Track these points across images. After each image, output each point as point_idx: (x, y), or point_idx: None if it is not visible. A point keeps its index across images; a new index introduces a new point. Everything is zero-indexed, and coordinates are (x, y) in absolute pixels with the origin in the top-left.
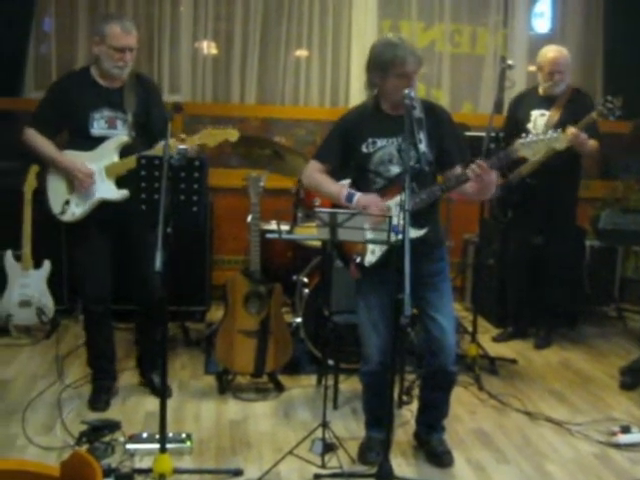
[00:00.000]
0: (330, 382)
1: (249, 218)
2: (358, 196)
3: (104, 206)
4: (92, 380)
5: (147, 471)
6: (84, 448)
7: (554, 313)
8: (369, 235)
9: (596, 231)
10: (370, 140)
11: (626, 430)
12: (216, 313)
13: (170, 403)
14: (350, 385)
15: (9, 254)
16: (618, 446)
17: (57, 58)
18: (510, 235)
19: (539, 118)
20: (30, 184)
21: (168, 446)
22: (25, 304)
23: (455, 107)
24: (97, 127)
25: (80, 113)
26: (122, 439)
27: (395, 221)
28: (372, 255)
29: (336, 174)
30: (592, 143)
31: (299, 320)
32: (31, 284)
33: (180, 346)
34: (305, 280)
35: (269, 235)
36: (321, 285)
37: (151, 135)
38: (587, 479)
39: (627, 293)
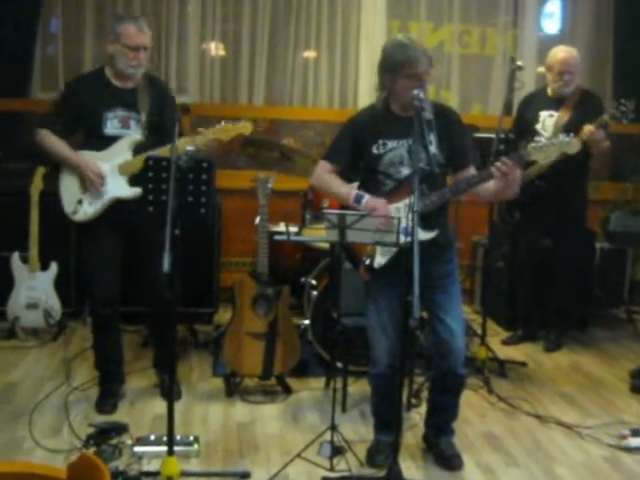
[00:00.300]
0: (338, 385)
1: (257, 220)
2: (367, 198)
3: (116, 206)
4: (99, 383)
5: (155, 474)
6: (91, 451)
7: (564, 316)
8: (378, 237)
9: (606, 233)
10: (380, 142)
11: (636, 433)
12: (224, 315)
13: (178, 406)
14: (359, 388)
15: (16, 256)
16: (628, 449)
17: (64, 59)
18: (519, 237)
19: (548, 119)
20: (37, 186)
21: (175, 449)
22: (32, 306)
23: (464, 108)
24: (110, 127)
25: (94, 113)
26: (129, 442)
27: (404, 223)
28: (381, 257)
29: (345, 175)
30: (605, 144)
31: (307, 322)
32: (38, 286)
33: (188, 348)
34: (313, 282)
35: (277, 237)
36: (330, 287)
37: (164, 136)
38: None
39: (637, 295)
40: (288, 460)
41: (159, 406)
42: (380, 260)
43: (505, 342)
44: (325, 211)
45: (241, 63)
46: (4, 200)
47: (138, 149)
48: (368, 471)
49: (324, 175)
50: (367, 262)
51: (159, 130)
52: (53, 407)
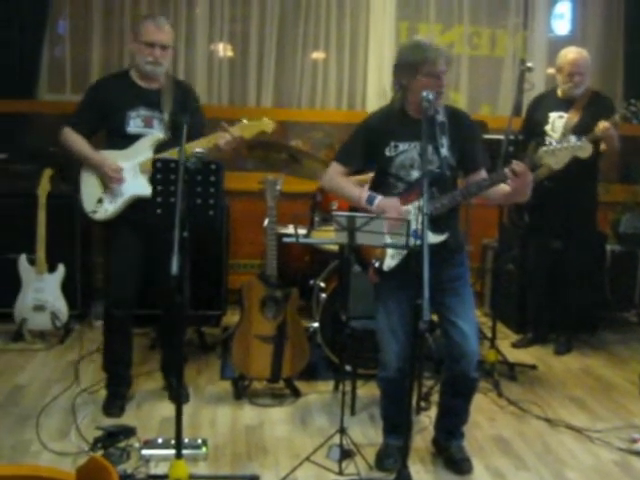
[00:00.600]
0: (347, 388)
1: (266, 222)
2: (379, 199)
3: (136, 204)
4: (107, 385)
5: (163, 477)
6: (99, 454)
7: (574, 318)
8: (388, 239)
9: (616, 235)
10: (393, 144)
11: None
12: (232, 318)
13: (185, 408)
14: (368, 391)
15: (23, 258)
16: (639, 453)
17: (71, 60)
18: (529, 240)
19: (557, 120)
20: (44, 187)
21: (184, 452)
22: (39, 308)
23: (473, 110)
24: (133, 125)
25: (117, 112)
26: (137, 445)
27: (414, 226)
28: (391, 259)
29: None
30: (616, 143)
31: (316, 325)
32: (45, 288)
33: (196, 351)
34: (322, 285)
35: (286, 239)
36: (339, 290)
37: (187, 138)
38: None
39: None
40: (297, 464)
41: (167, 409)
42: (390, 263)
43: (515, 345)
44: (334, 213)
45: (249, 64)
46: (11, 202)
47: (160, 148)
48: (377, 475)
49: (336, 177)
50: (377, 265)
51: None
52: (60, 410)
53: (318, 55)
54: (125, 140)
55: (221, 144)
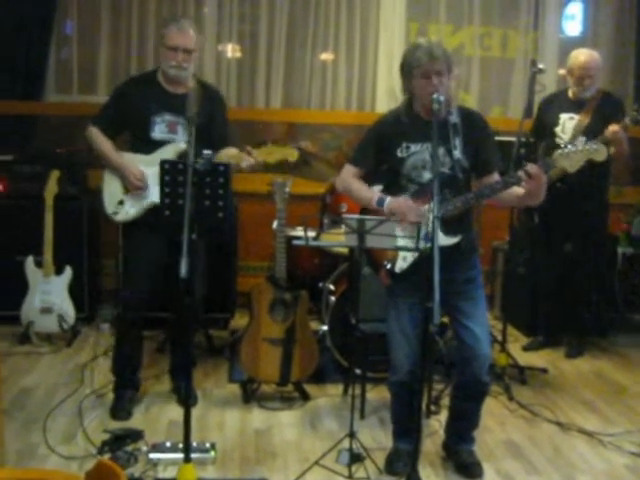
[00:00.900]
0: (357, 391)
1: (275, 224)
2: (389, 200)
3: (157, 210)
4: (114, 389)
5: None
6: (106, 457)
7: (585, 321)
8: (400, 241)
9: (628, 238)
10: (404, 145)
11: None
12: (240, 320)
13: (194, 412)
14: (377, 394)
15: (30, 260)
16: None
17: (78, 61)
18: (540, 242)
19: (568, 122)
20: (51, 189)
21: (192, 455)
22: (46, 311)
23: (484, 111)
24: (158, 131)
25: (141, 117)
26: (145, 448)
27: (425, 228)
28: (403, 261)
29: (369, 178)
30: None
31: (325, 328)
32: (52, 290)
33: (203, 354)
34: (332, 287)
35: (296, 242)
36: (348, 292)
37: (211, 145)
38: None
39: None
40: (306, 468)
41: (174, 412)
42: (402, 264)
43: (525, 348)
44: (344, 216)
45: (258, 65)
46: (18, 204)
47: (184, 156)
48: (387, 479)
49: (349, 179)
50: (388, 266)
51: (207, 139)
52: (67, 413)
53: (327, 56)
54: (149, 145)
55: (243, 166)
